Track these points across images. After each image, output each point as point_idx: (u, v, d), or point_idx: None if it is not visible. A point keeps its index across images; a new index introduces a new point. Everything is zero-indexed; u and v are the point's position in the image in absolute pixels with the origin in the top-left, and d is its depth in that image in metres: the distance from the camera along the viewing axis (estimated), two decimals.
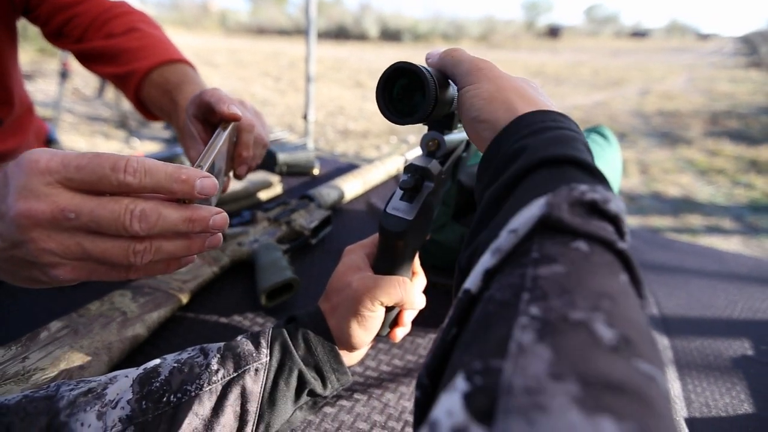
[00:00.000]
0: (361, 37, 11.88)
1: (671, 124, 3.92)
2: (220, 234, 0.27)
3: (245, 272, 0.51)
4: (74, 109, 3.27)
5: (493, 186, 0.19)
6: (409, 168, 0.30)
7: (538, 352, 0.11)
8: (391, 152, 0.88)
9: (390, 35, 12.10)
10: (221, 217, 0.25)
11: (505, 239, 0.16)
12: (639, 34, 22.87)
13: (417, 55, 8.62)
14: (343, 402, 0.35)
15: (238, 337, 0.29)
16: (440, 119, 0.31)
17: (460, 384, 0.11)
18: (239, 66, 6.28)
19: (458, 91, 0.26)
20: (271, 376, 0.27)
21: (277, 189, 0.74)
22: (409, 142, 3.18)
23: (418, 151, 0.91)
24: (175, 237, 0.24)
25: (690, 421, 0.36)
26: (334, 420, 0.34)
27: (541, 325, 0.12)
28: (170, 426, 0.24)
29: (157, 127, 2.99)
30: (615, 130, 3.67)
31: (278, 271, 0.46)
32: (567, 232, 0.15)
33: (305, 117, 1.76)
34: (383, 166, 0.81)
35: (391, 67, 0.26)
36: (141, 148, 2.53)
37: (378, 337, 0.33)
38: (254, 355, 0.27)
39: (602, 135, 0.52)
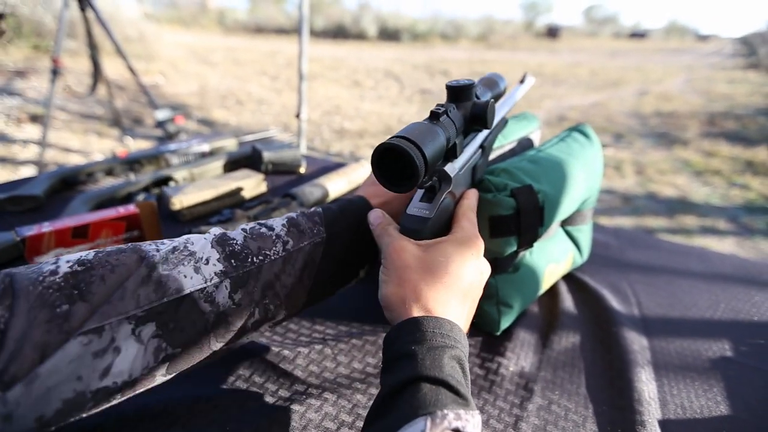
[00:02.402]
0: (360, 36, 11.85)
1: (668, 125, 3.92)
2: None
3: None
4: (67, 107, 3.26)
5: (388, 379, 0.25)
6: None
7: None
8: None
9: (388, 35, 12.07)
10: None
11: None
12: (638, 34, 22.87)
13: (415, 55, 8.61)
14: (312, 401, 0.35)
15: (294, 214, 0.33)
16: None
17: None
18: (236, 65, 6.26)
19: (381, 257, 0.31)
20: (328, 249, 0.32)
21: (261, 188, 0.74)
22: None
23: None
24: None
25: (663, 423, 0.35)
26: (302, 418, 0.33)
27: None
28: (256, 281, 0.29)
29: (150, 126, 2.97)
30: (611, 131, 3.67)
31: None
32: None
33: (298, 116, 1.75)
34: (369, 165, 0.81)
35: (379, 147, 0.27)
36: (134, 146, 2.52)
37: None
38: (314, 231, 0.32)
39: (584, 134, 0.51)
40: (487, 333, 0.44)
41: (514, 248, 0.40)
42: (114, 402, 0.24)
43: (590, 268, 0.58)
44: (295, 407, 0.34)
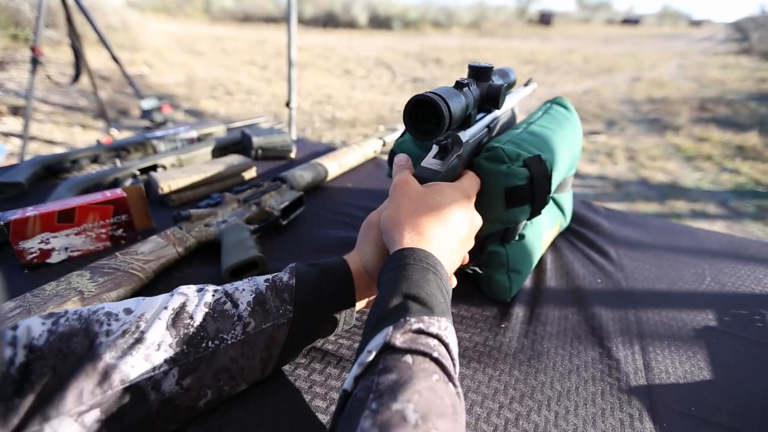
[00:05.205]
0: (350, 24, 11.63)
1: (660, 111, 3.93)
2: None
3: (213, 253, 0.51)
4: (49, 99, 3.16)
5: (375, 307, 0.27)
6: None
7: (370, 431, 0.19)
8: (369, 136, 0.86)
9: (379, 22, 11.84)
10: None
11: (365, 356, 0.24)
12: (631, 20, 22.75)
13: (407, 43, 8.49)
14: (315, 364, 0.36)
15: (262, 286, 0.32)
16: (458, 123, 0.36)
17: None
18: (224, 54, 6.12)
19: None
20: (294, 328, 0.32)
21: (251, 173, 0.73)
22: (398, 130, 3.15)
23: (396, 134, 0.90)
24: None
25: (648, 388, 0.36)
26: (306, 380, 0.35)
27: (375, 414, 0.20)
28: (208, 367, 0.28)
29: (136, 117, 2.91)
30: (604, 118, 3.68)
31: (243, 250, 0.45)
32: (400, 351, 0.23)
33: (288, 104, 1.72)
34: (360, 149, 0.80)
35: (412, 99, 0.31)
36: (120, 137, 2.46)
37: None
38: (281, 311, 0.31)
39: (563, 106, 0.52)
40: (487, 302, 0.46)
41: (528, 215, 0.40)
42: None
43: (579, 244, 0.58)
44: (299, 372, 0.35)
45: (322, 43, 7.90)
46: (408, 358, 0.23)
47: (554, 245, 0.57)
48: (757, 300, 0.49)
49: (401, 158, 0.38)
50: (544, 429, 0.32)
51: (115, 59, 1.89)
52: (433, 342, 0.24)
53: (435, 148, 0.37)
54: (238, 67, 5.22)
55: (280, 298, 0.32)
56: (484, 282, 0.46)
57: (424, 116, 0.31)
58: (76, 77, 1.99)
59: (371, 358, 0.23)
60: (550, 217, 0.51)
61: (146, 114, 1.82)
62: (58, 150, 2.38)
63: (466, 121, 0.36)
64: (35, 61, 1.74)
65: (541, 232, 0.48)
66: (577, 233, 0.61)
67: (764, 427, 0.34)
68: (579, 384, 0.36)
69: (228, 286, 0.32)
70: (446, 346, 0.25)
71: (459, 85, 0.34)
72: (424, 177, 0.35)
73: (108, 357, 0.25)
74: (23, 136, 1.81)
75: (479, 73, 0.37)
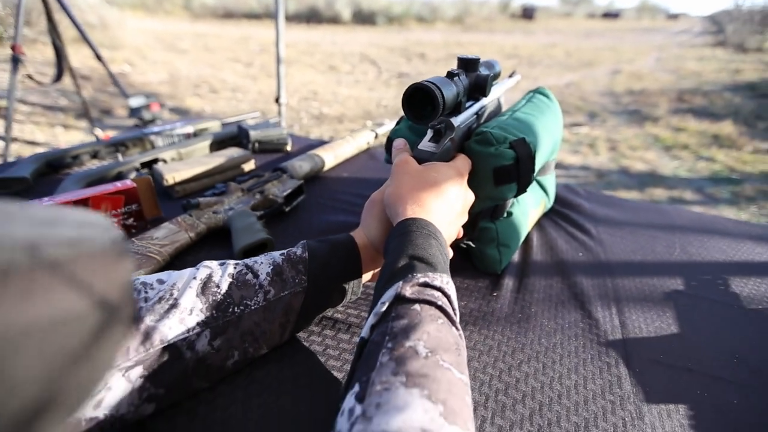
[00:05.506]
0: (334, 20, 11.55)
1: (639, 103, 4.05)
2: None
3: (221, 238, 0.53)
4: (27, 99, 3.07)
5: (385, 270, 0.31)
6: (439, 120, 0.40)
7: (388, 364, 0.23)
8: (361, 128, 0.89)
9: (363, 18, 11.80)
10: None
11: (379, 307, 0.27)
12: (611, 14, 23.24)
13: (390, 38, 8.50)
14: (327, 331, 0.40)
15: (278, 259, 0.35)
16: (450, 110, 0.40)
17: (355, 388, 0.23)
18: (207, 51, 6.02)
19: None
20: (308, 298, 0.35)
21: (250, 165, 0.75)
22: (385, 125, 3.17)
23: (388, 126, 0.94)
24: None
25: (623, 341, 0.41)
26: (320, 345, 0.38)
27: (391, 351, 0.24)
28: (235, 329, 0.32)
29: (120, 116, 2.87)
30: (586, 110, 3.78)
31: (253, 233, 0.48)
32: (410, 301, 0.27)
33: (277, 100, 1.74)
34: (354, 141, 0.83)
35: (410, 87, 0.35)
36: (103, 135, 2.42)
37: None
38: (296, 280, 0.35)
39: (544, 95, 0.57)
40: (479, 274, 0.50)
41: (514, 193, 0.44)
42: None
43: (562, 223, 0.63)
44: (313, 338, 0.39)
45: (306, 39, 7.83)
46: (416, 306, 0.27)
47: (540, 224, 0.62)
48: (720, 267, 0.55)
49: (399, 142, 0.42)
50: (534, 377, 0.36)
51: (98, 57, 1.87)
52: (437, 293, 0.28)
53: (429, 133, 0.41)
54: (222, 65, 5.15)
55: (295, 269, 0.35)
56: (477, 256, 0.50)
57: (421, 103, 0.35)
58: (58, 76, 1.95)
59: (385, 308, 0.27)
60: (535, 197, 0.56)
61: (135, 112, 1.81)
62: (42, 150, 2.33)
63: (457, 108, 0.40)
64: (16, 60, 1.71)
65: (527, 210, 0.52)
66: (561, 213, 0.66)
67: (721, 370, 0.39)
68: (563, 340, 0.41)
69: (247, 261, 0.35)
70: (448, 297, 0.29)
71: (450, 75, 0.38)
72: (421, 158, 0.39)
73: (148, 320, 0.28)
74: (5, 138, 1.77)
75: (467, 65, 0.41)
